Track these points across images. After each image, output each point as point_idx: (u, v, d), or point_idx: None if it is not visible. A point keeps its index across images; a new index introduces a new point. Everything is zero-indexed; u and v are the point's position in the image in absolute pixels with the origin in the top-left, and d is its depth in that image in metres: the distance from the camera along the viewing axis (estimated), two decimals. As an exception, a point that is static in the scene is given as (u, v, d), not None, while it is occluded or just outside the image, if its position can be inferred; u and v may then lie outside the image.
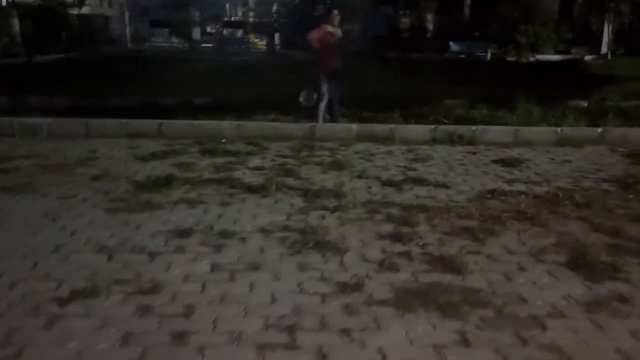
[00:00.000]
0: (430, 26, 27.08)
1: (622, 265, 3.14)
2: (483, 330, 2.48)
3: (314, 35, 7.12)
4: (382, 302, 2.71)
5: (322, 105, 7.08)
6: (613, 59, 20.75)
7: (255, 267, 3.09)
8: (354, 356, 2.31)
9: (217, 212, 4.02)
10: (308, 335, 2.43)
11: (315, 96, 7.12)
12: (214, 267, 3.09)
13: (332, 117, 7.36)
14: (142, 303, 2.67)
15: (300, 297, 2.76)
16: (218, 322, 2.52)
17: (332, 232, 3.62)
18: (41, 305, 2.65)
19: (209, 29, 40.67)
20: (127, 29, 28.32)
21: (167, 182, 4.66)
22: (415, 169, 5.33)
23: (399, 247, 3.38)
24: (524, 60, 20.07)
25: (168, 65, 14.98)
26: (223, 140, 6.53)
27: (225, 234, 3.55)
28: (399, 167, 5.42)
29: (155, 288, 2.82)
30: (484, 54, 23.26)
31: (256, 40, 30.31)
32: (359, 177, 5.01)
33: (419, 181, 4.84)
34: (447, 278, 2.97)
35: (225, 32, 40.37)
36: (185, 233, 3.57)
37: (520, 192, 4.56)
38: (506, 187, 4.73)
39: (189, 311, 2.61)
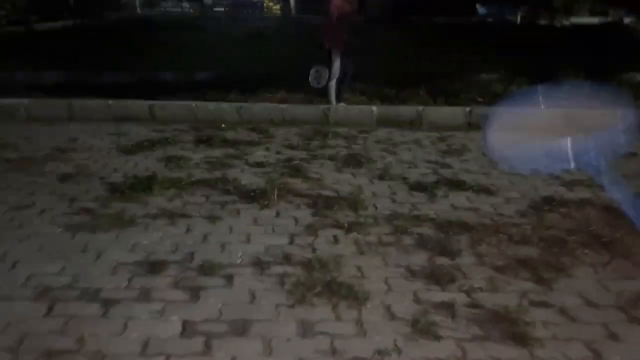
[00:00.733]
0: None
1: None
2: None
3: (337, 3, 6.01)
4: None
5: (333, 84, 6.08)
6: (655, 22, 19.07)
7: (241, 329, 2.26)
8: None
9: (203, 231, 3.18)
10: None
11: (327, 74, 6.09)
12: (186, 328, 2.26)
13: (337, 96, 6.29)
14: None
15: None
16: None
17: (346, 265, 2.76)
18: None
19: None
20: (137, -7, 27.26)
21: (148, 185, 3.83)
22: (449, 166, 4.41)
23: (437, 294, 2.51)
24: (557, 24, 18.55)
25: (174, 34, 13.96)
26: (223, 126, 5.67)
27: (207, 269, 2.72)
28: (430, 162, 4.50)
29: (97, 368, 2.02)
30: (513, 17, 21.68)
31: (271, 4, 28.96)
32: (381, 177, 4.12)
33: (456, 184, 3.93)
34: (508, 353, 2.10)
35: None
36: (156, 267, 2.75)
37: (584, 201, 3.63)
38: (565, 192, 3.80)
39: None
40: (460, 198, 3.70)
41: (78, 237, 3.10)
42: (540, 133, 1.76)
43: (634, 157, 4.51)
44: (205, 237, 3.10)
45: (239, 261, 2.82)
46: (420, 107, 5.79)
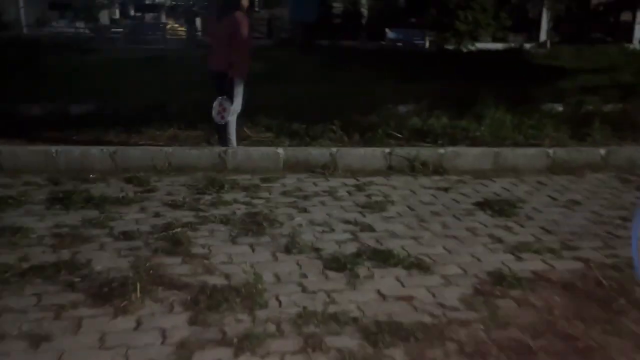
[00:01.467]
0: (365, 11, 25.36)
1: None
2: None
3: (245, 29, 4.95)
4: None
5: (234, 120, 5.08)
6: (553, 48, 19.98)
7: None
8: None
9: (14, 368, 2.09)
10: None
11: (230, 107, 5.02)
12: None
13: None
14: None
15: None
16: None
17: None
18: None
19: (119, 13, 36.36)
20: (22, 11, 24.68)
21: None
22: (371, 228, 3.57)
23: None
24: (464, 49, 18.82)
25: (61, 57, 12.36)
26: (91, 176, 4.52)
27: None
28: (348, 223, 3.65)
29: None
30: (422, 42, 21.89)
31: (176, 25, 27.46)
32: (288, 249, 3.19)
33: (381, 256, 3.09)
34: None
35: (139, 16, 36.64)
36: None
37: (540, 277, 2.91)
38: (514, 264, 3.07)
39: None
40: (388, 279, 2.85)
41: None
42: None
43: None
44: (14, 382, 2.01)
45: None
46: (334, 149, 4.96)
